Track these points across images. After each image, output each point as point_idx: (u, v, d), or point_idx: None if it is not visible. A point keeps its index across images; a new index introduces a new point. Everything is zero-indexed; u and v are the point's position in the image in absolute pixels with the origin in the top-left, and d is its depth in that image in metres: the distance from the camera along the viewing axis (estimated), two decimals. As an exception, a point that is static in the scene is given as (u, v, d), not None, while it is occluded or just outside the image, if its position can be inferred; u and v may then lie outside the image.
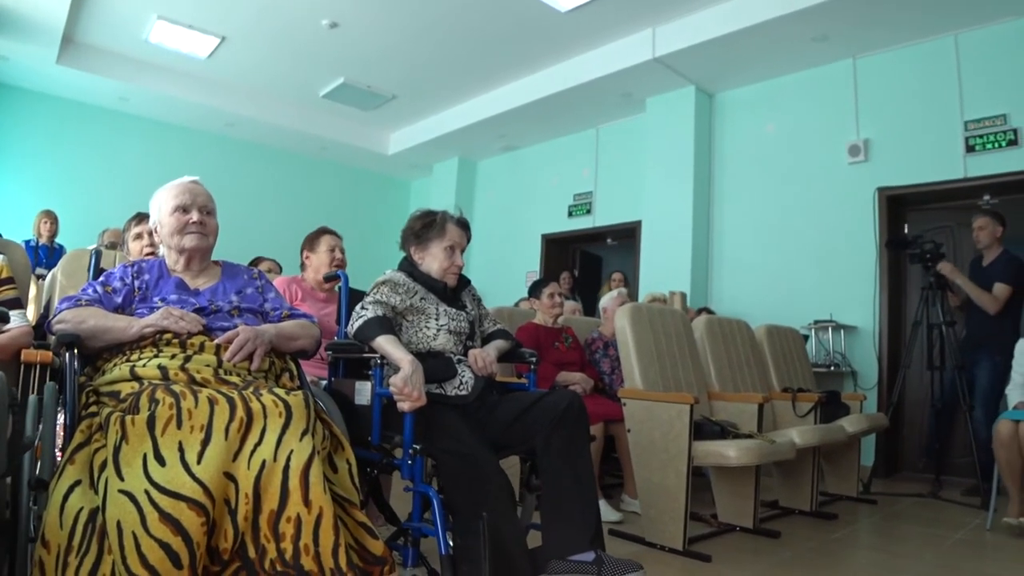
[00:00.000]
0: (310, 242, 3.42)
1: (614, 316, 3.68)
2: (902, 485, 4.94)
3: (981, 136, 5.11)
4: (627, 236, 7.57)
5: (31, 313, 3.02)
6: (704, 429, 3.27)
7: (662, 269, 6.57)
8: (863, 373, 5.53)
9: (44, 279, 3.51)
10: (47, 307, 2.95)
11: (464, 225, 2.58)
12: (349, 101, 8.19)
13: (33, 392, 2.26)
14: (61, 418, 1.77)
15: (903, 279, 5.67)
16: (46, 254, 6.22)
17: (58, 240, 6.49)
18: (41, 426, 1.69)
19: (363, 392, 2.24)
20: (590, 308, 7.14)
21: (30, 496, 1.58)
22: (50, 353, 2.24)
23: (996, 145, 5.04)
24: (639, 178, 7.13)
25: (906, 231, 5.65)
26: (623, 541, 3.25)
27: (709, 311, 5.75)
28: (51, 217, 6.44)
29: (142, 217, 3.15)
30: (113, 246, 4.35)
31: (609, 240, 8.15)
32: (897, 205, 5.65)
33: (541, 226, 8.44)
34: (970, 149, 5.15)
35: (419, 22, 6.22)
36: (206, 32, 6.61)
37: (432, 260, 2.49)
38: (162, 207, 2.17)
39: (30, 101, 7.57)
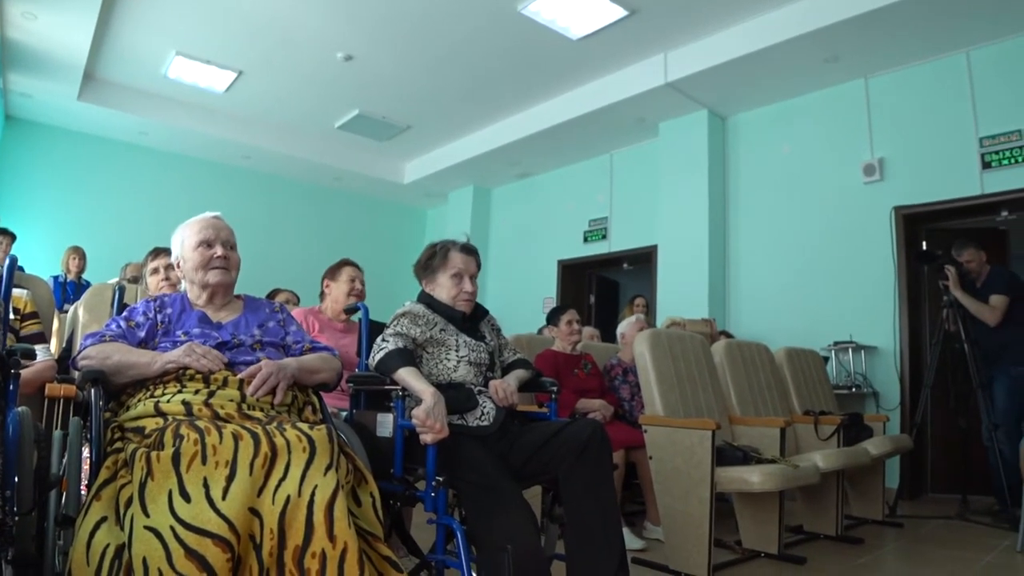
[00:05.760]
0: (332, 272, 3.50)
1: (632, 342, 3.67)
2: (928, 507, 4.86)
3: (997, 152, 5.10)
4: (643, 261, 7.56)
5: (53, 346, 3.05)
6: (726, 455, 3.24)
7: (679, 293, 6.56)
8: (885, 393, 5.46)
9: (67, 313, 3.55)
10: (69, 341, 2.98)
11: (469, 251, 2.58)
12: (364, 132, 8.28)
13: (57, 426, 2.29)
14: (85, 452, 1.78)
15: (922, 298, 5.61)
16: (74, 290, 6.27)
17: (85, 276, 6.56)
18: (66, 461, 1.70)
19: (385, 424, 2.25)
20: (608, 334, 7.10)
21: (56, 532, 1.59)
22: (74, 387, 2.27)
23: (1013, 161, 5.02)
24: (654, 203, 7.14)
25: (924, 249, 5.60)
26: (647, 569, 3.21)
27: (728, 334, 5.72)
28: (79, 253, 6.54)
29: (158, 252, 3.19)
30: (135, 280, 4.39)
31: (625, 265, 8.14)
32: (914, 223, 5.61)
33: (557, 252, 8.44)
34: (986, 165, 5.14)
35: (432, 53, 6.30)
36: (223, 67, 6.73)
37: (441, 290, 2.51)
38: (185, 242, 2.18)
39: (53, 137, 7.72)
